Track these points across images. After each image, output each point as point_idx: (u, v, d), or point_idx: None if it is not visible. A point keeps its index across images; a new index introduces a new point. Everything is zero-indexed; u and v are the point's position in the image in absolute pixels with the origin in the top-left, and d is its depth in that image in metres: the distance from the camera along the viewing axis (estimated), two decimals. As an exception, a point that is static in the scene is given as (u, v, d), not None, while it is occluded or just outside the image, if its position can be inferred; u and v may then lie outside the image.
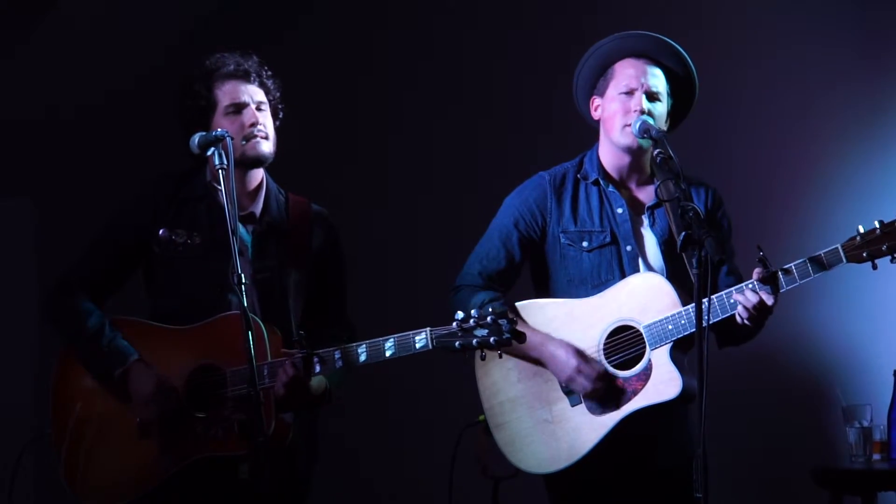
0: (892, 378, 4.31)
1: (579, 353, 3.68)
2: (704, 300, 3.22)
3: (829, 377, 4.84)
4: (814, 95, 5.02)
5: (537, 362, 3.73)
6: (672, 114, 3.83)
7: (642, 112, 3.71)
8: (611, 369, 3.67)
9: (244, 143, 3.70)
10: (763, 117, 5.10)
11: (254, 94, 3.77)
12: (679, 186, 3.42)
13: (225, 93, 3.75)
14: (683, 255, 3.36)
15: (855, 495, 4.22)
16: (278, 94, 3.84)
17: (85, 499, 3.69)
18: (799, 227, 4.90)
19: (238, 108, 3.74)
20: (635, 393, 3.65)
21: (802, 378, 4.96)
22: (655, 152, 3.56)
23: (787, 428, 4.89)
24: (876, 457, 4.32)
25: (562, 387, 3.72)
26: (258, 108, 3.76)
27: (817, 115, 5.01)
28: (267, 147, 3.75)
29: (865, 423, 4.33)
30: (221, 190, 3.48)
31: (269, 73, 3.83)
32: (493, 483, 3.98)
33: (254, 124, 3.72)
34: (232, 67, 3.77)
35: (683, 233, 3.26)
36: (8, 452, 4.18)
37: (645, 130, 3.65)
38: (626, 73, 3.76)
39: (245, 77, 3.77)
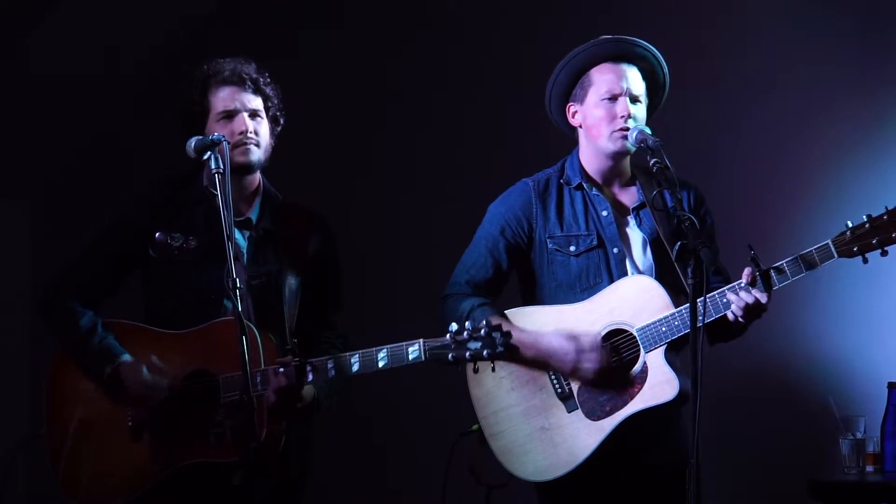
0: (885, 390, 4.31)
1: (572, 336, 3.65)
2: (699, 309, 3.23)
3: (823, 388, 4.83)
4: (813, 104, 5.02)
5: (534, 362, 3.71)
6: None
7: (629, 117, 3.72)
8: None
9: (234, 149, 3.69)
10: (761, 124, 5.10)
11: (248, 101, 3.76)
12: (676, 196, 3.43)
13: (218, 99, 3.74)
14: (678, 264, 3.36)
15: (847, 507, 4.22)
16: (277, 101, 3.83)
17: (76, 500, 3.69)
18: (796, 233, 4.89)
19: (230, 115, 3.73)
20: (632, 396, 3.64)
21: (796, 389, 4.96)
22: (651, 161, 3.56)
23: (780, 439, 4.88)
24: (869, 469, 4.31)
25: (557, 393, 3.71)
26: (252, 116, 3.75)
27: (816, 123, 5.01)
28: (256, 155, 3.74)
29: (859, 435, 4.32)
30: (217, 194, 3.48)
31: (268, 79, 3.82)
32: (485, 492, 3.97)
33: (243, 132, 3.72)
34: (227, 73, 3.75)
35: (679, 243, 3.27)
36: (0, 453, 4.17)
37: (642, 140, 3.66)
38: (605, 78, 3.77)
39: (240, 84, 3.75)
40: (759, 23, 5.12)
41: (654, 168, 3.54)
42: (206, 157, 3.56)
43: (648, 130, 3.70)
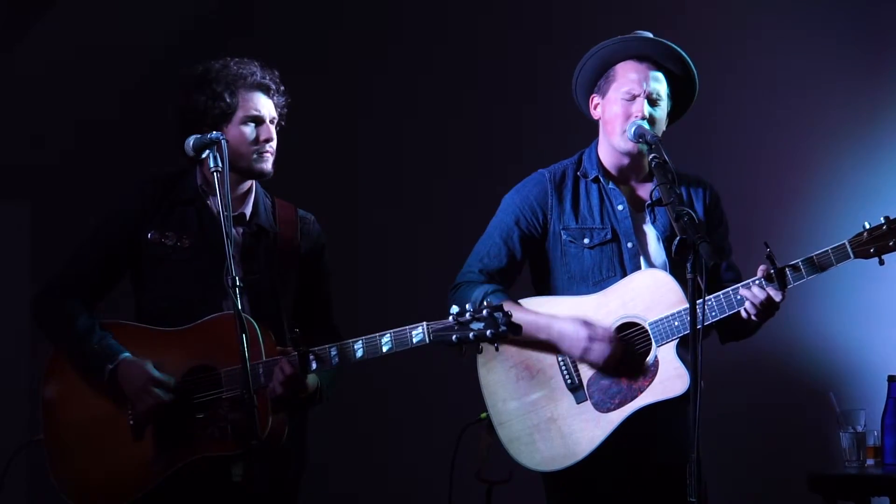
0: (885, 383, 4.31)
1: (587, 323, 3.67)
2: (699, 304, 3.23)
3: (823, 382, 4.85)
4: (813, 94, 5.04)
5: (545, 345, 3.72)
6: (670, 114, 3.84)
7: (643, 118, 3.72)
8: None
9: (255, 156, 3.70)
10: (762, 116, 5.12)
11: (271, 109, 3.77)
12: (674, 191, 3.42)
13: (250, 102, 3.72)
14: (677, 258, 3.37)
15: (848, 501, 4.21)
16: (285, 111, 3.83)
17: (77, 502, 3.67)
18: (797, 224, 4.92)
19: (259, 120, 3.73)
20: (641, 389, 3.65)
21: (797, 383, 4.96)
22: (650, 157, 3.57)
23: (781, 433, 4.89)
24: (869, 462, 4.32)
25: (566, 383, 3.72)
26: (272, 123, 3.76)
27: (816, 113, 5.03)
28: (272, 164, 3.76)
29: (859, 429, 4.32)
30: (213, 192, 3.47)
31: (283, 89, 3.82)
32: (486, 488, 3.97)
33: (268, 140, 3.73)
34: (259, 78, 3.75)
35: (678, 237, 3.26)
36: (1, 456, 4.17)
37: (640, 135, 3.67)
38: (628, 76, 3.77)
39: (267, 91, 3.76)
40: (758, 14, 5.13)
41: (653, 163, 3.55)
42: (204, 155, 3.56)
43: (647, 126, 3.70)
